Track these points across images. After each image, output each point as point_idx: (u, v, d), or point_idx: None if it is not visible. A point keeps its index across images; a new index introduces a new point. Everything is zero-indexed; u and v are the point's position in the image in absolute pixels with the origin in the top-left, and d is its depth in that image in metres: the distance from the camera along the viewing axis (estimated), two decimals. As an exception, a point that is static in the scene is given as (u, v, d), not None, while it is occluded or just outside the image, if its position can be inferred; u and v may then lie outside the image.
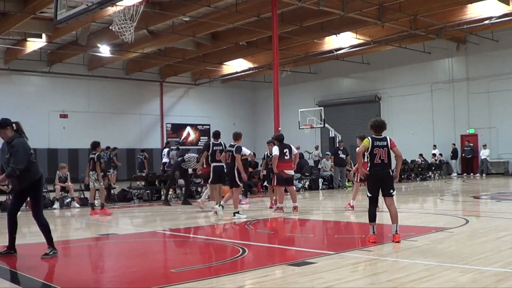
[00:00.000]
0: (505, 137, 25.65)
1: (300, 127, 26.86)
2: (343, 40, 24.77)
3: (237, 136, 11.52)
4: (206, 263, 6.59)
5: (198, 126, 34.78)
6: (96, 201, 12.58)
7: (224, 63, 29.72)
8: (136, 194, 16.08)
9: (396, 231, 7.05)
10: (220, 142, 12.18)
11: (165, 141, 31.74)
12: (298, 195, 13.05)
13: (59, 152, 27.50)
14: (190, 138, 34.34)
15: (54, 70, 28.06)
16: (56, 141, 28.12)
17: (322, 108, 28.03)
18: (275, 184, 12.01)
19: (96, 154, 12.38)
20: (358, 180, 11.68)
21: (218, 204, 11.30)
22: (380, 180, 7.21)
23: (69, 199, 14.42)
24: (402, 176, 24.34)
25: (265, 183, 15.58)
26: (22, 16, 19.59)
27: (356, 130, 25.45)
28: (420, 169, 25.47)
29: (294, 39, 24.09)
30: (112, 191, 15.64)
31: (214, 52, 27.34)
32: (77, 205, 14.30)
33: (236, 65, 30.02)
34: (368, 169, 7.26)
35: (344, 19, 21.10)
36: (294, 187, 12.54)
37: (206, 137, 33.88)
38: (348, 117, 30.98)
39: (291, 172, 12.00)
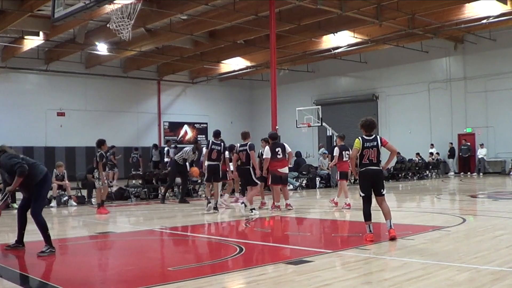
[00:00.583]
0: (502, 136, 25.70)
1: (298, 126, 26.90)
2: (341, 39, 24.76)
3: (246, 135, 11.94)
4: (204, 261, 6.59)
5: (195, 125, 34.73)
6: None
7: (222, 62, 29.68)
8: (133, 192, 16.10)
9: (391, 226, 7.13)
10: (220, 142, 12.20)
11: (162, 139, 31.77)
12: (295, 194, 13.06)
13: (56, 150, 27.37)
14: (187, 137, 34.28)
15: (51, 68, 27.98)
16: (53, 139, 28.00)
17: (319, 106, 28.12)
18: (269, 183, 12.15)
19: (99, 153, 12.24)
20: (339, 178, 12.55)
21: (208, 200, 11.83)
22: (371, 179, 7.28)
23: (66, 197, 14.42)
24: (399, 175, 24.42)
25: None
26: (19, 14, 19.52)
27: (354, 129, 25.29)
28: (417, 168, 25.54)
29: (291, 37, 24.06)
30: (109, 189, 15.61)
31: (211, 50, 27.29)
32: (74, 204, 14.31)
33: (234, 64, 29.97)
34: (358, 169, 7.39)
35: (341, 18, 21.06)
36: (291, 185, 12.64)
37: (204, 136, 33.89)
38: (345, 116, 30.90)
39: (285, 171, 12.11)
